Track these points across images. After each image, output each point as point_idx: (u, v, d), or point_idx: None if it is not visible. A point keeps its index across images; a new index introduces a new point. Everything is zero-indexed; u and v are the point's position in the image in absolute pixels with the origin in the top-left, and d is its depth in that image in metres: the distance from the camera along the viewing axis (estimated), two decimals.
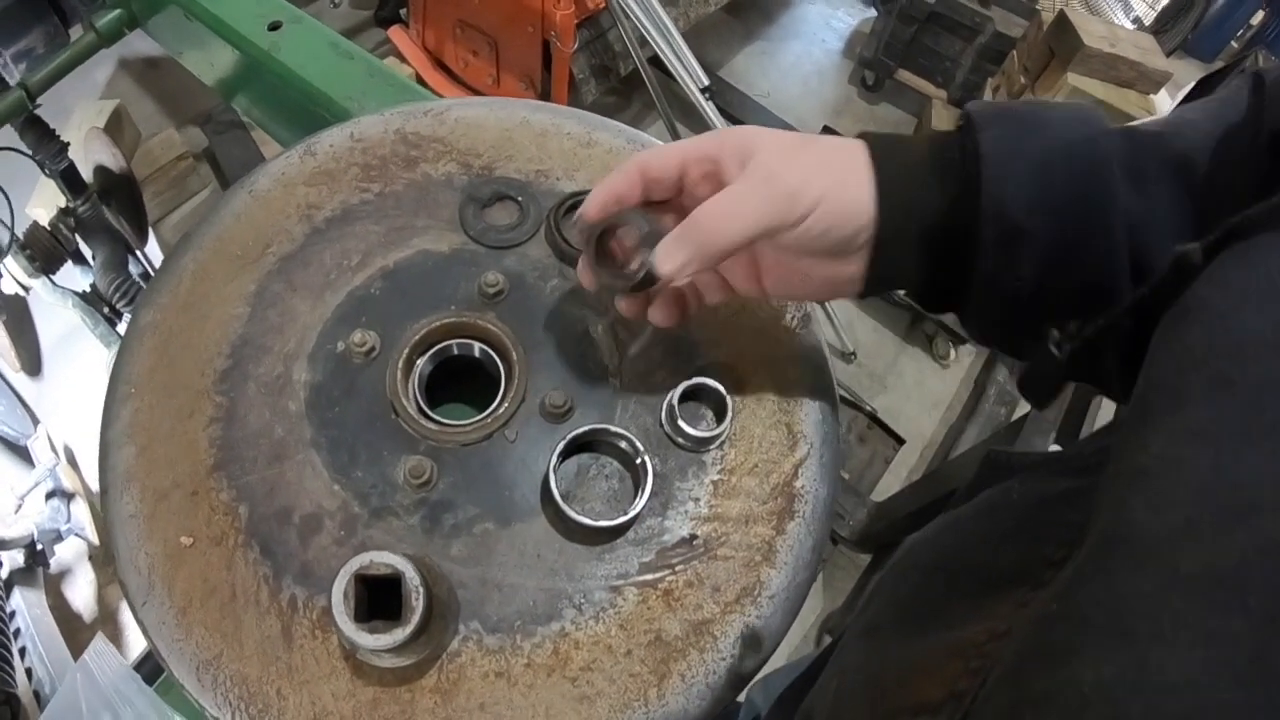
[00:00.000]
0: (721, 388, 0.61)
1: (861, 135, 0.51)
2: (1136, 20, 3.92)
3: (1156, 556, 0.27)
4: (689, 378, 0.62)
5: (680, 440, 0.62)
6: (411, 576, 0.48)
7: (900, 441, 2.35)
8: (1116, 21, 3.73)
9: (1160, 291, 0.37)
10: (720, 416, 0.62)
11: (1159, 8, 3.98)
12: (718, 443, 0.63)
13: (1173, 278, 0.35)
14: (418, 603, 0.48)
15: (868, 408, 2.37)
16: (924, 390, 2.54)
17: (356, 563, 0.48)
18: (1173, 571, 0.26)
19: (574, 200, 0.71)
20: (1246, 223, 0.32)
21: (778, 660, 1.09)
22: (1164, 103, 2.69)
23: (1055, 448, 1.57)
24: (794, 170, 0.49)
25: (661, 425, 0.63)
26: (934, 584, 0.49)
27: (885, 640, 0.49)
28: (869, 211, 0.49)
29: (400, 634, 0.47)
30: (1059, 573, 0.35)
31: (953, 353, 2.57)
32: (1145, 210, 0.46)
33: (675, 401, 0.61)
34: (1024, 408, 2.35)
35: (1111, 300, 0.47)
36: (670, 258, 0.50)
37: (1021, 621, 0.37)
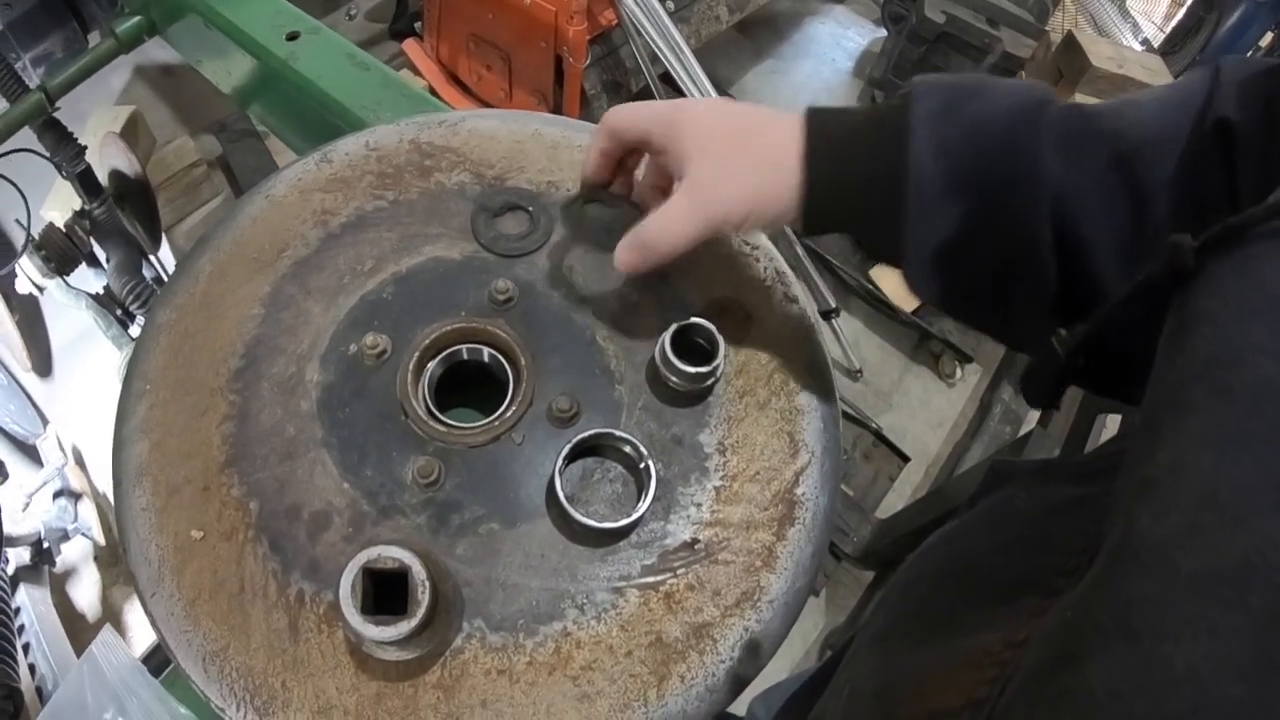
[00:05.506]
0: (712, 326, 0.63)
1: (806, 111, 0.57)
2: (1145, 41, 3.94)
3: (1161, 559, 0.28)
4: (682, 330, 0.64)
5: (675, 380, 0.64)
6: (418, 570, 0.49)
7: (905, 459, 2.35)
8: (1125, 43, 3.74)
9: (1153, 283, 0.38)
10: (711, 357, 0.63)
11: (1168, 29, 4.00)
12: (712, 379, 0.64)
13: (1165, 269, 0.36)
14: (424, 596, 0.49)
15: (873, 425, 2.37)
16: (929, 408, 2.54)
17: (365, 556, 0.49)
18: (1176, 573, 0.27)
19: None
20: (1246, 224, 0.33)
21: (780, 674, 1.10)
22: None
23: None
24: (726, 186, 0.57)
25: (656, 365, 0.65)
26: (944, 592, 0.50)
27: (898, 648, 0.49)
28: (796, 204, 0.56)
29: (406, 626, 0.48)
30: (1072, 581, 0.36)
31: (959, 371, 2.58)
32: (1073, 184, 0.48)
33: (668, 344, 0.63)
34: (1028, 425, 2.36)
35: (1033, 265, 0.50)
36: (623, 261, 0.62)
37: (1039, 630, 0.37)
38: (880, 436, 2.37)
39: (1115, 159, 0.47)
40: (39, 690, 1.44)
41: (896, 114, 0.52)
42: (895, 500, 2.30)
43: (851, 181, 0.54)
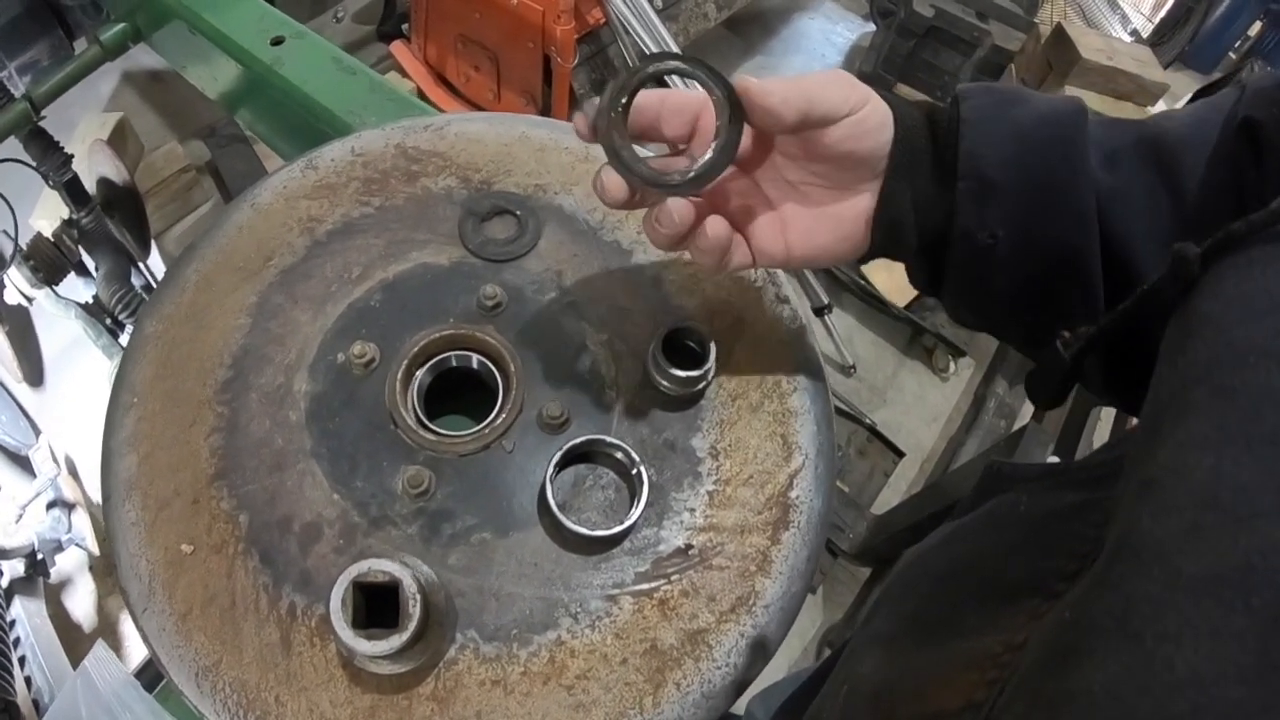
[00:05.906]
0: (703, 329, 0.62)
1: None
2: (1134, 33, 3.94)
3: (1162, 560, 0.28)
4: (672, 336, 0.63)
5: (666, 384, 0.63)
6: (409, 584, 0.48)
7: (900, 454, 2.35)
8: (1114, 34, 3.74)
9: (1160, 290, 0.38)
10: (702, 361, 0.62)
11: (1156, 20, 4.00)
12: (704, 383, 0.64)
13: (1170, 277, 0.37)
14: (415, 609, 0.48)
15: (867, 421, 2.37)
16: (924, 403, 2.54)
17: (355, 570, 0.48)
18: (1177, 574, 0.27)
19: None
20: (1246, 229, 0.33)
21: (778, 673, 1.09)
22: None
23: (1054, 460, 1.57)
24: (828, 85, 0.50)
25: (647, 370, 0.64)
26: (944, 594, 0.50)
27: (897, 648, 0.49)
28: (892, 129, 0.52)
29: (397, 640, 0.48)
30: (1072, 584, 0.36)
31: (953, 366, 2.57)
32: (1115, 187, 0.48)
33: (658, 347, 0.62)
34: (1023, 420, 2.36)
35: (1082, 277, 0.49)
36: (768, 89, 0.48)
37: (1037, 632, 0.37)
38: (874, 432, 2.37)
39: (1155, 160, 0.48)
40: (36, 703, 1.43)
41: (948, 111, 0.52)
42: (890, 496, 2.29)
43: (919, 155, 0.52)
